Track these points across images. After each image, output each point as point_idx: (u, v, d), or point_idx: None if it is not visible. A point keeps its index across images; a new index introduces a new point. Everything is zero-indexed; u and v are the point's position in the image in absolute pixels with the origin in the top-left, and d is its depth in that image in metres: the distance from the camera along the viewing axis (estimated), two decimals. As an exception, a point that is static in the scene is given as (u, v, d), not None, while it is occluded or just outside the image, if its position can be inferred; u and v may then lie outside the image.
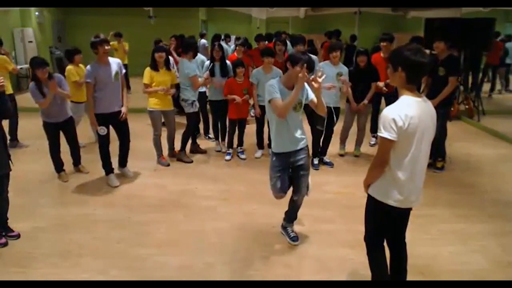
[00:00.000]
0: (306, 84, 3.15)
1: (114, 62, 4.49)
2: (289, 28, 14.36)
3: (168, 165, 5.30)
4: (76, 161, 5.04)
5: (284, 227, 3.61)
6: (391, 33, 5.87)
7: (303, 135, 3.27)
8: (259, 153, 5.69)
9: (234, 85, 5.30)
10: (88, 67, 4.36)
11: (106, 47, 4.31)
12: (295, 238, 3.50)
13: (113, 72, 4.41)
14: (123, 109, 4.59)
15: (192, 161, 5.47)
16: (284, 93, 3.07)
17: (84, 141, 6.00)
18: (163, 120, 5.27)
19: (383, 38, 5.74)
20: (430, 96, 4.46)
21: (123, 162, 4.96)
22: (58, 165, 4.81)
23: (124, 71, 4.70)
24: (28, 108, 7.89)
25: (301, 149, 3.25)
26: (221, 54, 5.52)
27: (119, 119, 4.56)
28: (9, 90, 5.80)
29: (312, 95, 3.21)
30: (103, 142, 4.59)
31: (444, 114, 4.85)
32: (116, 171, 4.90)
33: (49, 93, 4.29)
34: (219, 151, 5.83)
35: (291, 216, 3.54)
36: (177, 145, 5.51)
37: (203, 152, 5.79)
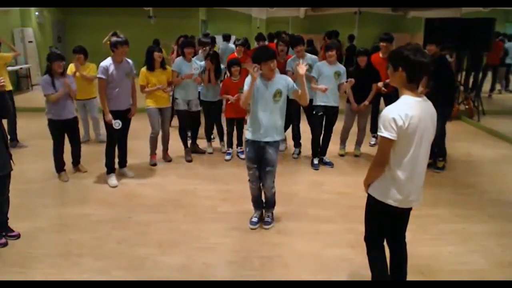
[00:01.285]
0: (290, 79, 3.50)
1: (127, 62, 4.62)
2: (289, 28, 14.37)
3: (155, 164, 5.30)
4: (76, 160, 5.05)
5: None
6: (390, 33, 5.87)
7: (279, 128, 3.50)
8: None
9: (230, 85, 5.29)
10: (102, 63, 4.43)
11: (126, 49, 4.44)
12: (253, 223, 3.73)
13: (127, 71, 4.56)
14: (133, 108, 4.76)
15: (191, 160, 5.49)
16: (262, 82, 3.38)
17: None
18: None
19: (383, 38, 5.73)
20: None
21: (122, 162, 4.98)
22: (60, 165, 4.81)
23: (134, 71, 4.80)
24: (28, 108, 7.94)
25: (273, 142, 3.47)
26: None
27: (128, 117, 4.71)
28: (9, 86, 5.81)
29: (295, 86, 3.47)
30: (112, 140, 4.66)
31: (443, 113, 4.83)
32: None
33: (63, 88, 4.45)
34: (211, 153, 5.81)
35: (266, 202, 3.79)
36: (177, 146, 5.51)
37: (202, 152, 5.79)
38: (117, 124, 4.51)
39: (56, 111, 4.55)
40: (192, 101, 5.41)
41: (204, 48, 5.83)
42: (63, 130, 4.72)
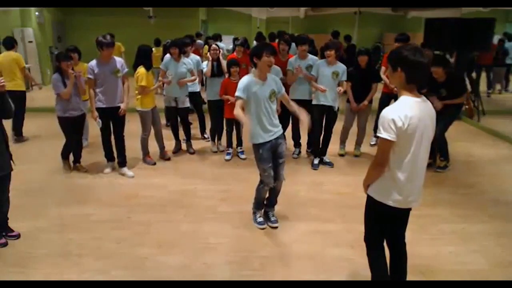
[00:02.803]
0: (280, 81, 3.60)
1: (117, 61, 4.73)
2: (289, 28, 14.36)
3: (154, 163, 5.32)
4: (77, 159, 5.10)
5: (253, 213, 3.82)
6: (406, 33, 5.85)
7: (278, 123, 3.58)
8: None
9: (229, 85, 5.28)
10: (90, 63, 4.63)
11: (111, 51, 4.63)
12: (262, 222, 3.74)
13: (113, 69, 4.66)
14: (123, 105, 4.80)
15: (176, 152, 5.70)
16: (257, 84, 3.38)
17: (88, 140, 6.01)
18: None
19: (398, 38, 5.71)
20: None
21: (122, 161, 5.00)
22: (66, 154, 4.99)
23: (125, 70, 4.88)
24: (28, 108, 7.89)
25: (280, 136, 3.56)
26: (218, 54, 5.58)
27: (118, 114, 4.78)
28: (22, 87, 6.27)
29: (282, 92, 3.58)
30: (104, 133, 4.88)
31: (451, 113, 4.96)
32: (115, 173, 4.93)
33: (69, 82, 4.59)
34: (215, 151, 5.84)
35: (272, 201, 3.81)
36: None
37: (192, 153, 5.79)
38: (99, 123, 4.72)
39: (63, 108, 4.69)
40: (179, 98, 5.46)
41: (189, 47, 5.92)
42: (71, 127, 4.83)
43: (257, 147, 3.49)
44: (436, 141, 4.93)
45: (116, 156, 5.00)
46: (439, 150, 5.16)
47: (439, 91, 4.87)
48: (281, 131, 3.60)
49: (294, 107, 3.55)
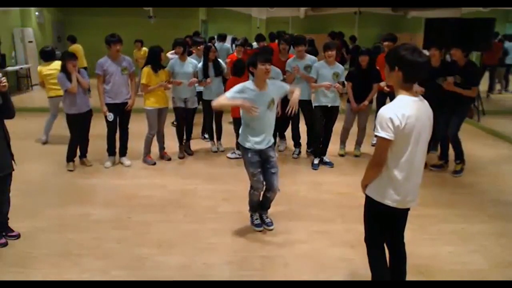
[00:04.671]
0: (281, 82, 3.57)
1: (124, 58, 5.01)
2: (289, 28, 14.38)
3: (154, 163, 5.33)
4: (83, 154, 5.22)
5: (250, 215, 3.80)
6: (393, 33, 5.90)
7: (272, 133, 3.54)
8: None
9: (232, 86, 5.28)
10: (99, 60, 4.91)
11: (118, 47, 4.85)
12: (259, 225, 3.71)
13: (121, 67, 4.94)
14: (130, 101, 5.07)
15: (183, 157, 5.61)
16: (255, 94, 3.30)
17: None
18: None
19: (386, 38, 5.77)
20: (443, 104, 4.64)
21: (122, 150, 5.26)
22: (72, 155, 5.07)
23: (133, 68, 5.11)
24: (28, 108, 7.93)
25: (273, 145, 3.55)
26: (216, 55, 5.58)
27: (125, 109, 5.05)
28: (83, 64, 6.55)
29: (287, 88, 3.61)
30: (111, 128, 5.09)
31: (463, 112, 4.95)
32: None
33: (72, 77, 4.75)
34: (216, 151, 5.84)
35: (265, 205, 3.77)
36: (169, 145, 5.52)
37: (191, 154, 5.77)
38: (110, 116, 4.94)
39: (72, 105, 4.83)
40: (188, 98, 5.46)
41: (198, 47, 5.88)
42: (80, 123, 4.96)
43: (245, 150, 3.47)
44: (451, 142, 4.93)
45: (119, 146, 5.21)
46: (454, 152, 5.07)
47: (454, 77, 4.77)
48: (272, 141, 3.53)
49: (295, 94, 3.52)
